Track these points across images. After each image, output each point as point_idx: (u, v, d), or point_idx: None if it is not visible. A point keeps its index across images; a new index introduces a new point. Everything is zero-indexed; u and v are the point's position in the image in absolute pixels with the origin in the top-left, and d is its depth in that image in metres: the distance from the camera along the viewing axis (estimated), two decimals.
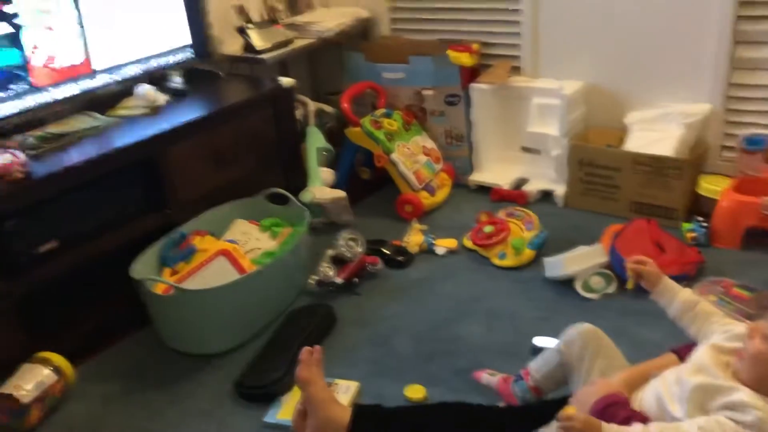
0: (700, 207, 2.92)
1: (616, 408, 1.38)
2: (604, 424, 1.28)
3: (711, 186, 2.89)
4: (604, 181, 3.05)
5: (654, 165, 2.88)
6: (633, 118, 3.07)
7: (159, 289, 2.39)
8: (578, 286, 2.53)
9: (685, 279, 2.47)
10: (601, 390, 1.45)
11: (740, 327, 1.41)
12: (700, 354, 1.37)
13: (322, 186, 3.14)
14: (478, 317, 2.48)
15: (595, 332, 1.70)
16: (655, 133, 2.96)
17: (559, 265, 2.55)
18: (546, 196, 3.28)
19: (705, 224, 2.78)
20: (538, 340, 2.25)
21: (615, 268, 2.54)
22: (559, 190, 3.22)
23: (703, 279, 2.51)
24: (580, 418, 1.28)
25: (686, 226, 2.84)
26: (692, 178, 2.92)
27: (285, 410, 2.06)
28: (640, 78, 3.07)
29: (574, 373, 1.68)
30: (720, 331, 1.42)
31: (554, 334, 2.26)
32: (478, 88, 3.26)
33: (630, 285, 1.70)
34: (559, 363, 1.74)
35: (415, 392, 2.09)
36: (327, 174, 3.22)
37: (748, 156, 2.78)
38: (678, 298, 1.54)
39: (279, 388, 2.13)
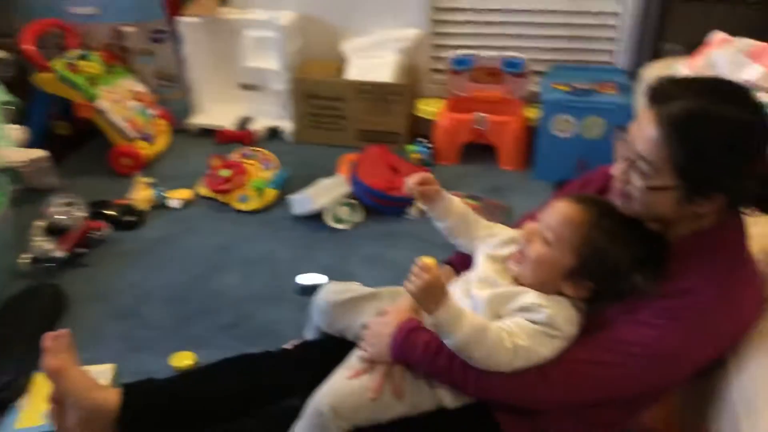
0: (420, 129, 3.07)
1: (415, 334, 1.35)
2: (448, 299, 1.20)
3: (428, 108, 3.05)
4: (331, 112, 3.04)
5: (377, 92, 2.94)
6: (349, 47, 3.07)
7: None
8: (328, 219, 2.50)
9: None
10: (393, 319, 1.41)
11: (506, 232, 1.46)
12: (481, 267, 1.38)
13: (12, 147, 2.60)
14: (232, 267, 2.31)
15: (342, 289, 1.60)
16: (372, 60, 3.00)
17: (307, 201, 2.48)
18: (274, 133, 3.17)
19: (429, 144, 2.94)
20: (303, 278, 2.17)
21: (359, 196, 2.55)
22: (287, 126, 3.13)
23: None
24: (431, 278, 1.19)
25: (410, 147, 2.97)
26: (411, 101, 3.05)
27: (25, 417, 1.69)
28: (351, 6, 3.06)
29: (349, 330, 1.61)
30: (487, 241, 1.45)
31: (316, 269, 2.22)
32: (186, 22, 2.96)
33: (416, 210, 1.61)
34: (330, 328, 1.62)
35: (183, 359, 1.87)
36: (16, 132, 2.67)
37: (456, 76, 2.97)
38: (453, 210, 1.54)
39: (11, 394, 1.74)
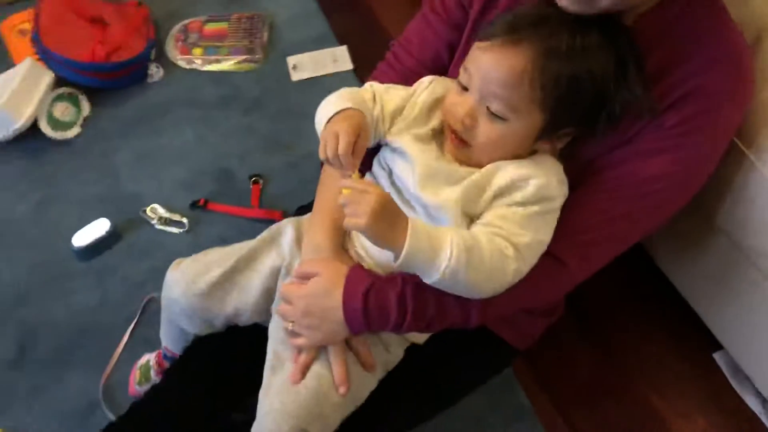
0: None
1: (377, 291, 0.89)
2: (409, 219, 0.80)
3: None
4: None
5: None
6: None
7: None
8: (46, 128, 1.69)
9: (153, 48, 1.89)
10: (327, 281, 0.92)
11: (402, 96, 0.97)
12: (415, 158, 0.91)
13: None
14: None
15: (199, 270, 1.05)
16: None
17: (6, 118, 1.62)
18: None
19: None
20: (80, 236, 1.46)
21: (69, 79, 1.75)
22: None
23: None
24: (378, 194, 0.79)
25: None
26: None
27: None
28: None
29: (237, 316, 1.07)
30: (398, 123, 0.96)
31: (79, 215, 1.52)
32: None
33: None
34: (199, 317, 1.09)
35: None
36: None
37: None
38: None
39: None
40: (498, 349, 1.09)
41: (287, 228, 1.06)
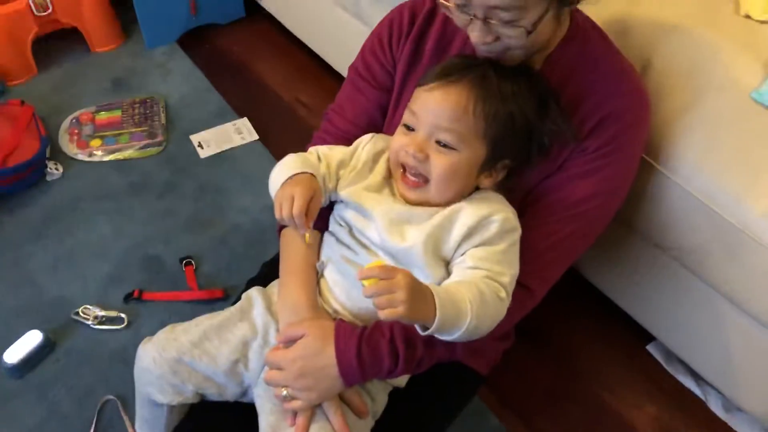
0: None
1: (369, 342, 0.93)
2: (433, 288, 0.84)
3: None
4: None
5: None
6: None
7: None
8: None
9: None
10: (315, 341, 0.95)
11: (345, 152, 1.04)
12: (370, 207, 0.97)
13: None
14: None
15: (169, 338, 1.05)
16: None
17: None
18: None
19: None
20: (11, 355, 1.37)
21: None
22: None
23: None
24: (405, 277, 0.79)
25: None
26: None
27: None
28: None
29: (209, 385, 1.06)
30: (347, 177, 1.02)
31: (8, 337, 1.44)
32: None
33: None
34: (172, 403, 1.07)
35: None
36: None
37: None
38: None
39: None
40: (468, 378, 1.15)
41: (256, 299, 1.07)
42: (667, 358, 1.42)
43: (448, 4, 0.91)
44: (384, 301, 0.79)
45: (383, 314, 0.79)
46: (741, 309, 1.13)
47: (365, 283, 0.80)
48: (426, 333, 0.84)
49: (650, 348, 1.44)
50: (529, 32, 0.88)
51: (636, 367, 1.42)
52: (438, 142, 0.93)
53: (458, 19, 0.92)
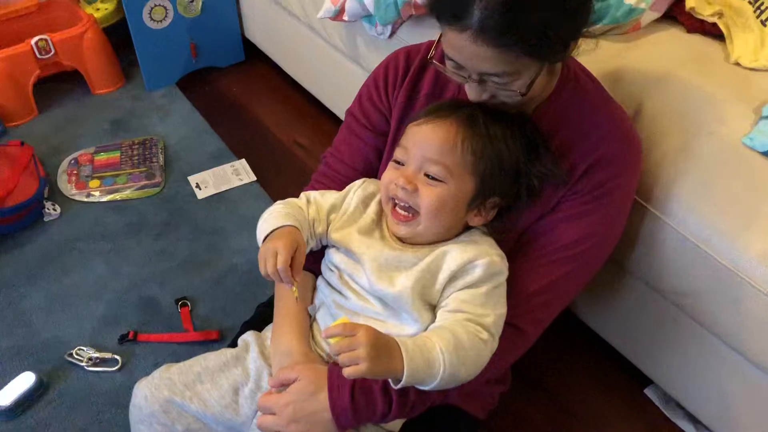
0: None
1: (361, 388, 0.93)
2: (400, 341, 0.85)
3: None
4: None
5: None
6: None
7: None
8: None
9: None
10: (308, 385, 0.95)
11: (336, 197, 1.06)
12: (362, 251, 0.98)
13: None
14: None
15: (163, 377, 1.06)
16: None
17: None
18: None
19: None
20: (3, 398, 1.35)
21: None
22: None
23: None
24: (367, 334, 0.81)
25: None
26: None
27: None
28: None
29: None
30: (336, 223, 1.03)
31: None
32: None
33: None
34: None
35: None
36: None
37: None
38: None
39: None
40: (464, 422, 1.14)
41: (251, 344, 1.07)
42: (665, 402, 1.40)
43: (443, 66, 0.94)
44: (346, 359, 0.81)
45: (345, 372, 0.81)
46: (738, 352, 1.13)
47: (331, 341, 0.82)
48: (399, 386, 0.85)
49: (648, 392, 1.42)
50: (522, 94, 0.92)
51: (634, 411, 1.41)
52: (427, 175, 0.95)
53: (454, 77, 0.96)
